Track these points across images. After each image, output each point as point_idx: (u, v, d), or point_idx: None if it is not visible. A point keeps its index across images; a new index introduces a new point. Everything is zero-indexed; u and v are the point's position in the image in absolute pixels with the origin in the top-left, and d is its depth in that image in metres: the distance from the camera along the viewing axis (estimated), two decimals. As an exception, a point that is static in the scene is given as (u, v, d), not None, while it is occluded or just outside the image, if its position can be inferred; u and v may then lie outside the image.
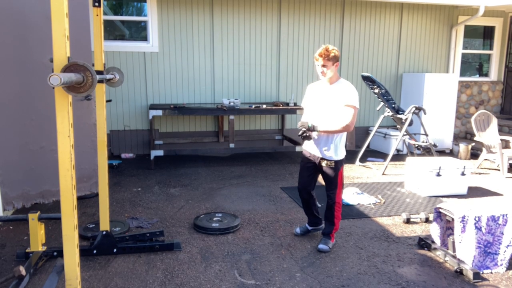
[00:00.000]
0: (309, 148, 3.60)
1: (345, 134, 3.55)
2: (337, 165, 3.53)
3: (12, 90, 4.11)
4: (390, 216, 4.37)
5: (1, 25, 3.97)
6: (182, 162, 6.67)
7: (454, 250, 3.30)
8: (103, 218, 3.30)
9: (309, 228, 3.85)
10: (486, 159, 6.62)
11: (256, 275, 3.08)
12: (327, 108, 3.40)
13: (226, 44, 7.17)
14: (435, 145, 6.24)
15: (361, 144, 7.49)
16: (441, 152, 7.55)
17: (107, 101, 5.75)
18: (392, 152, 6.27)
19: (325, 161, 3.51)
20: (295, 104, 6.94)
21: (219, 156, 7.12)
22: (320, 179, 3.70)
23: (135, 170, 6.10)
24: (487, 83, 8.72)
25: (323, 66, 3.30)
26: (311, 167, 3.64)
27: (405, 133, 6.30)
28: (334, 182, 3.55)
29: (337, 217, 3.58)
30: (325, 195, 3.59)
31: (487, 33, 8.73)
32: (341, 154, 3.56)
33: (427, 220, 4.19)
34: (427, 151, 6.46)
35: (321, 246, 3.51)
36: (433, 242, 3.53)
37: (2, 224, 3.96)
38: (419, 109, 6.18)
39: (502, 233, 3.23)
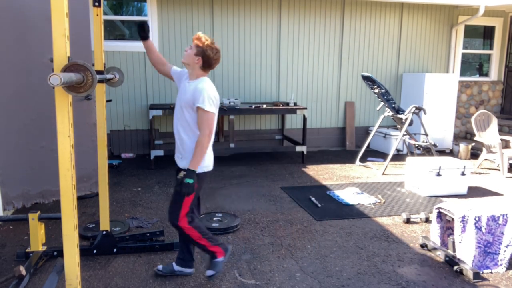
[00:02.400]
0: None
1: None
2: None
3: (12, 90, 4.11)
4: (390, 216, 4.37)
5: (1, 25, 3.96)
6: (182, 162, 6.66)
7: (454, 250, 3.30)
8: (103, 218, 3.30)
9: (175, 268, 3.04)
10: (486, 159, 6.62)
11: (256, 275, 3.08)
12: None
13: (226, 44, 7.17)
14: (435, 145, 6.23)
15: (361, 144, 7.49)
16: (441, 152, 7.55)
17: (107, 101, 5.74)
18: (392, 152, 6.27)
19: (180, 171, 2.75)
20: (295, 104, 6.93)
21: (219, 156, 7.12)
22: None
23: (135, 170, 6.10)
24: (487, 83, 8.71)
25: (190, 46, 2.81)
26: None
27: (405, 133, 6.29)
28: (179, 201, 2.77)
29: (199, 240, 2.85)
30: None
31: (487, 33, 8.73)
32: (201, 166, 2.78)
33: (427, 220, 4.19)
34: (427, 151, 6.46)
35: (208, 272, 2.94)
36: (433, 242, 3.53)
37: (2, 224, 3.96)
38: (419, 109, 6.18)
39: (502, 233, 3.23)
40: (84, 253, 3.26)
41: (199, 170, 2.73)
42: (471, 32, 8.60)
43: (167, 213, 2.89)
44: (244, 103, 7.18)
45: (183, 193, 2.65)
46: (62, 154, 2.01)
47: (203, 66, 2.78)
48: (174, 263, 3.05)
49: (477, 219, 3.18)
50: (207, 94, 2.69)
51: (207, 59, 2.75)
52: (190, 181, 2.63)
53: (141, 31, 2.94)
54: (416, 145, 6.33)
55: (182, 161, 2.81)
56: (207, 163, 2.82)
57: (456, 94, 7.67)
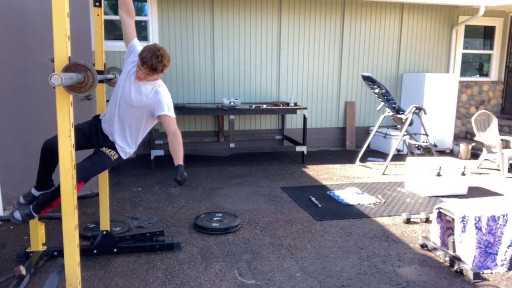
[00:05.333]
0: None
1: None
2: (115, 159, 2.94)
3: (13, 90, 4.11)
4: (390, 216, 4.37)
5: (1, 25, 3.97)
6: (182, 162, 6.66)
7: (454, 250, 3.30)
8: (103, 218, 3.30)
9: (37, 193, 2.98)
10: (487, 159, 6.62)
11: (256, 275, 3.08)
12: None
13: (227, 44, 7.17)
14: (435, 145, 6.23)
15: (361, 144, 7.49)
16: (442, 152, 7.55)
17: (107, 100, 5.73)
18: (392, 152, 6.27)
19: (110, 150, 2.88)
20: (295, 104, 6.93)
21: (219, 156, 7.12)
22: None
23: (135, 170, 6.10)
24: (487, 83, 8.71)
25: (147, 74, 2.75)
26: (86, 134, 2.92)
27: (405, 133, 6.30)
28: (92, 168, 2.84)
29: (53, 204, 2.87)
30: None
31: (488, 33, 8.72)
32: (128, 152, 3.03)
33: (427, 220, 4.19)
34: (427, 151, 6.46)
35: (15, 212, 2.86)
36: (433, 242, 3.53)
37: (2, 224, 3.96)
38: (419, 109, 6.18)
39: (503, 233, 3.23)
40: (84, 253, 3.25)
41: (124, 156, 2.94)
42: (471, 32, 8.60)
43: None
44: (244, 103, 7.18)
45: (178, 181, 2.63)
46: (62, 154, 2.02)
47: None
48: (33, 189, 2.96)
49: (477, 219, 3.18)
50: (169, 102, 2.82)
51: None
52: (185, 174, 2.62)
53: None
54: (416, 145, 6.33)
55: (110, 139, 2.91)
56: (130, 152, 3.01)
57: (456, 94, 7.68)
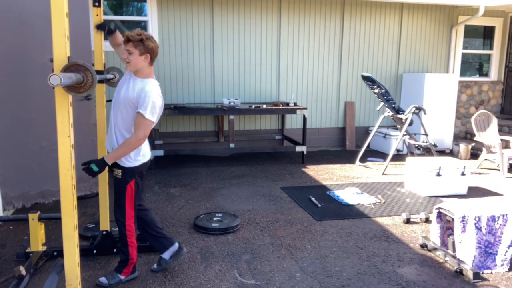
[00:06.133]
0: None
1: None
2: (125, 176, 2.76)
3: (12, 90, 4.11)
4: (390, 216, 4.37)
5: (1, 25, 3.97)
6: (182, 162, 6.67)
7: (454, 250, 3.30)
8: (103, 218, 3.30)
9: (167, 258, 3.11)
10: (486, 159, 6.62)
11: (256, 275, 3.08)
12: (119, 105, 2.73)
13: (226, 44, 7.17)
14: (435, 145, 6.24)
15: (361, 144, 7.49)
16: (441, 152, 7.55)
17: (107, 101, 5.73)
18: (392, 152, 6.27)
19: (114, 169, 2.77)
20: (295, 104, 6.93)
21: (219, 156, 7.12)
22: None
23: (135, 170, 6.09)
24: (487, 83, 8.71)
25: (127, 50, 2.65)
26: None
27: (405, 133, 6.29)
28: (121, 199, 2.80)
29: (131, 243, 2.88)
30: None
31: (487, 33, 8.73)
32: (133, 160, 2.75)
33: (427, 220, 4.19)
34: (427, 151, 6.46)
35: (101, 278, 2.89)
36: (433, 242, 3.53)
37: (2, 224, 3.96)
38: (419, 109, 6.18)
39: (503, 233, 3.23)
40: (84, 253, 3.26)
41: (130, 164, 2.73)
42: (471, 32, 8.60)
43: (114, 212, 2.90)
44: (244, 103, 7.18)
45: (89, 174, 2.61)
46: (62, 154, 2.02)
47: (151, 61, 2.70)
48: (162, 256, 3.08)
49: (477, 219, 3.18)
50: (152, 101, 2.60)
51: (152, 52, 2.67)
52: (96, 169, 2.59)
53: (107, 31, 2.87)
54: (416, 145, 6.33)
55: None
56: (139, 157, 2.76)
57: (456, 94, 7.67)
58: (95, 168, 2.59)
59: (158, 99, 2.67)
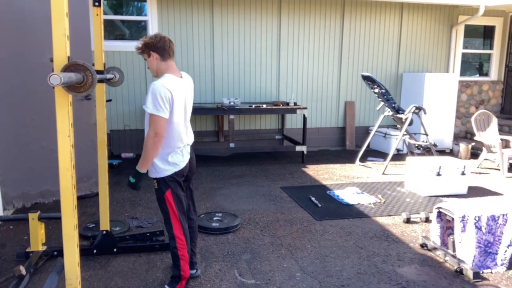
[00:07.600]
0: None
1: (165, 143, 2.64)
2: (160, 186, 2.67)
3: (12, 90, 4.11)
4: (390, 215, 4.37)
5: (1, 25, 3.96)
6: (182, 161, 6.66)
7: (454, 250, 3.30)
8: (103, 218, 3.30)
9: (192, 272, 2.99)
10: (486, 159, 6.62)
11: (256, 275, 3.08)
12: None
13: (226, 44, 7.17)
14: (435, 145, 6.23)
15: (361, 143, 7.49)
16: (441, 152, 7.54)
17: (107, 100, 5.74)
18: (392, 151, 6.27)
19: (153, 180, 2.70)
20: (295, 104, 6.93)
21: (219, 156, 7.12)
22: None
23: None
24: (487, 83, 8.71)
25: (145, 59, 2.68)
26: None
27: (405, 133, 6.29)
28: (164, 210, 2.70)
29: (182, 257, 2.71)
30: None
31: (487, 33, 8.72)
32: (161, 169, 2.65)
33: (427, 220, 4.19)
34: (427, 150, 6.46)
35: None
36: (433, 241, 3.53)
37: (2, 223, 3.96)
38: (419, 108, 6.18)
39: (502, 233, 3.23)
40: (84, 252, 3.26)
41: (159, 174, 2.62)
42: (471, 32, 8.60)
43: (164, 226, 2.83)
44: (244, 103, 7.18)
45: (132, 188, 2.60)
46: (62, 154, 2.01)
47: (163, 57, 2.63)
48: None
49: (477, 219, 3.18)
50: (153, 95, 2.46)
51: (156, 47, 2.61)
52: (133, 180, 2.59)
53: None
54: (416, 145, 6.33)
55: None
56: (168, 166, 2.65)
57: (456, 94, 7.67)
58: (131, 179, 2.59)
59: (164, 91, 2.47)
